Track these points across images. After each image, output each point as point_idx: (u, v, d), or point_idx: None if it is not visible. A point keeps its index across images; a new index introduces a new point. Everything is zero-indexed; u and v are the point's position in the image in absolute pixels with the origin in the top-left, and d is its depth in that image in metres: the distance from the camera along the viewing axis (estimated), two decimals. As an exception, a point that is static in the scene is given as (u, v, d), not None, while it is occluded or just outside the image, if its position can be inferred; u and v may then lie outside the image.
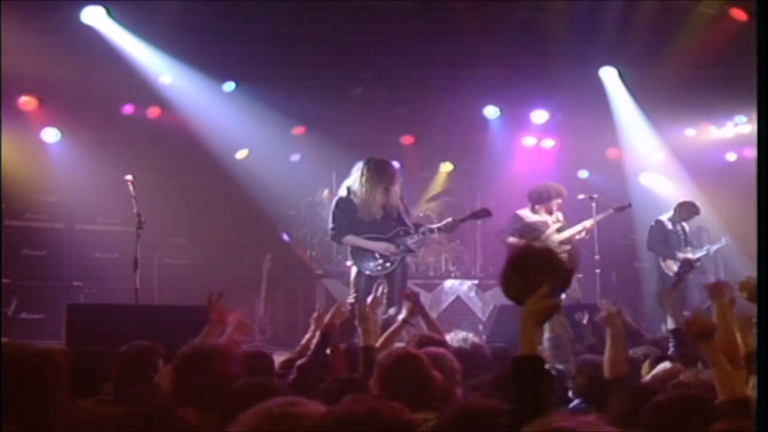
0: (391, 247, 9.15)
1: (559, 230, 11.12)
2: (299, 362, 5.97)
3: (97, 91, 12.06)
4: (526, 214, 11.24)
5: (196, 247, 13.11)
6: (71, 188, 12.00)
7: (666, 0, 11.71)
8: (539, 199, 11.19)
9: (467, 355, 5.70)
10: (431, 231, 9.62)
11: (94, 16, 11.04)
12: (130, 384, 4.95)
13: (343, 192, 9.27)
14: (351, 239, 9.18)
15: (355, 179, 9.18)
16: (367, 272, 9.11)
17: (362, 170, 9.15)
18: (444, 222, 9.64)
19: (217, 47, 11.49)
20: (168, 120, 12.54)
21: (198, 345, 5.02)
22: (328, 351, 6.08)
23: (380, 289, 8.38)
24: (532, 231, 11.11)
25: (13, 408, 3.36)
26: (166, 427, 3.37)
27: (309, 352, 6.09)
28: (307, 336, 6.71)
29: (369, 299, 6.53)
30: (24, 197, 11.85)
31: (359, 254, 9.18)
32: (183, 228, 12.98)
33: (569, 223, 11.28)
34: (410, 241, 9.28)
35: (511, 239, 11.10)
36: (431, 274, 12.80)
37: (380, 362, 4.71)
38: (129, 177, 9.37)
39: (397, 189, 9.28)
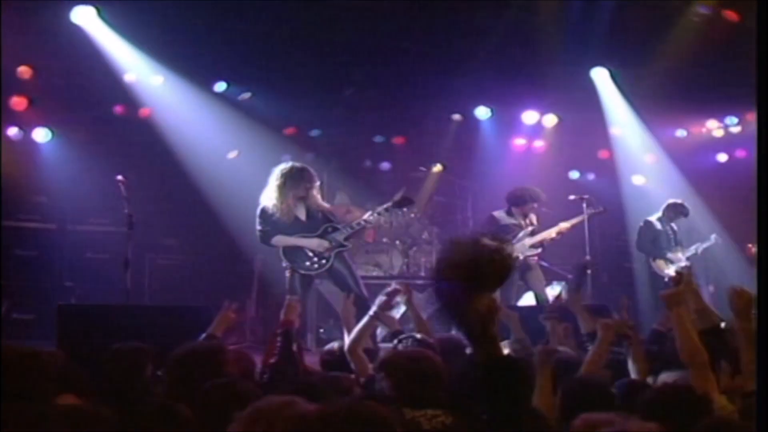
0: (324, 243, 9.27)
1: (531, 234, 11.29)
2: (271, 361, 6.01)
3: (88, 91, 12.02)
4: (502, 216, 11.45)
5: (187, 248, 13.11)
6: (63, 189, 11.97)
7: (658, 0, 11.72)
8: (516, 201, 11.39)
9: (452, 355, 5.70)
10: (359, 225, 9.72)
11: (84, 16, 11.01)
12: (119, 385, 4.98)
13: (264, 201, 9.33)
14: (281, 239, 9.30)
15: (271, 188, 9.29)
16: (302, 271, 9.24)
17: (277, 178, 9.28)
18: (368, 214, 9.72)
19: (209, 48, 11.49)
20: (159, 120, 12.51)
21: (191, 346, 5.05)
22: (294, 348, 6.13)
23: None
24: (506, 234, 11.25)
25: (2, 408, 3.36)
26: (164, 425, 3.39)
27: (275, 352, 6.11)
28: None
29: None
30: (16, 198, 11.81)
31: (292, 255, 9.29)
32: (174, 228, 12.97)
33: (546, 227, 11.46)
34: (340, 236, 9.38)
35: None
36: (422, 274, 12.78)
37: (392, 360, 4.75)
38: (120, 177, 9.36)
39: (315, 193, 9.43)
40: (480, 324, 2.86)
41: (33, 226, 11.94)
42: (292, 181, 9.24)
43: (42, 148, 12.27)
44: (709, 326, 5.43)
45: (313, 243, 9.26)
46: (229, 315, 6.52)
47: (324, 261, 9.28)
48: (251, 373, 5.71)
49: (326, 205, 9.74)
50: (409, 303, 6.93)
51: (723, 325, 6.03)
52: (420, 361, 4.58)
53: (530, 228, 11.41)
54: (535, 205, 11.46)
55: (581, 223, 11.61)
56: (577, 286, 7.04)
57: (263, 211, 9.31)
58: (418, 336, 6.13)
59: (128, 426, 3.54)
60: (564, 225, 11.50)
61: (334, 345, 6.39)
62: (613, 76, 13.41)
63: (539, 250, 11.45)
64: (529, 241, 11.31)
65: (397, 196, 9.92)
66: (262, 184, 9.45)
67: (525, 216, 11.46)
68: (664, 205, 12.36)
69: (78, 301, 11.28)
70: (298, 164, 9.55)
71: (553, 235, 11.45)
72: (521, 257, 11.26)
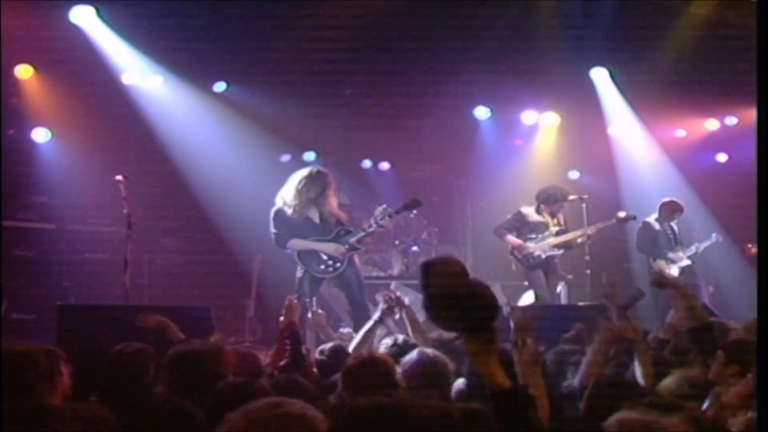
0: (341, 247, 9.38)
1: (557, 234, 11.27)
2: (281, 363, 6.04)
3: (88, 91, 12.01)
4: (530, 212, 11.46)
5: (187, 248, 13.11)
6: (62, 188, 11.97)
7: (658, 1, 11.72)
8: (546, 200, 11.38)
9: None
10: (371, 228, 9.75)
11: (83, 16, 11.01)
12: (121, 385, 4.98)
13: (279, 202, 9.45)
14: (297, 242, 9.41)
15: (289, 189, 9.40)
16: (317, 275, 9.38)
17: (296, 180, 9.41)
18: (380, 218, 9.74)
19: (209, 48, 11.47)
20: (159, 120, 12.50)
21: (188, 345, 5.05)
22: (303, 350, 6.19)
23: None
24: (532, 231, 11.27)
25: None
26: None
27: (285, 354, 6.14)
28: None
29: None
30: (15, 197, 11.80)
31: (307, 258, 9.41)
32: (174, 228, 12.97)
33: (568, 228, 11.46)
34: (353, 239, 9.48)
35: (510, 237, 11.29)
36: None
37: (347, 366, 4.82)
38: (119, 177, 9.37)
39: (330, 200, 9.54)
40: (474, 363, 2.87)
41: (32, 226, 11.93)
42: (308, 183, 9.35)
43: (41, 148, 12.26)
44: (697, 324, 5.66)
45: (330, 248, 9.38)
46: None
47: (338, 265, 9.41)
48: (258, 374, 5.69)
49: (343, 214, 9.85)
50: (402, 307, 6.95)
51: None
52: (372, 367, 4.62)
53: (557, 228, 11.45)
54: (565, 204, 11.50)
55: (607, 228, 11.66)
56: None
57: (277, 213, 9.42)
58: (400, 340, 6.20)
59: (139, 426, 3.55)
60: (591, 229, 11.49)
61: (326, 346, 6.43)
62: (613, 76, 13.41)
63: (561, 251, 11.51)
64: (552, 240, 11.36)
65: (407, 200, 10.00)
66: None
67: (553, 215, 11.51)
68: (658, 205, 12.35)
69: (77, 301, 11.26)
70: (322, 169, 9.72)
71: (580, 238, 11.47)
72: (543, 256, 11.28)
